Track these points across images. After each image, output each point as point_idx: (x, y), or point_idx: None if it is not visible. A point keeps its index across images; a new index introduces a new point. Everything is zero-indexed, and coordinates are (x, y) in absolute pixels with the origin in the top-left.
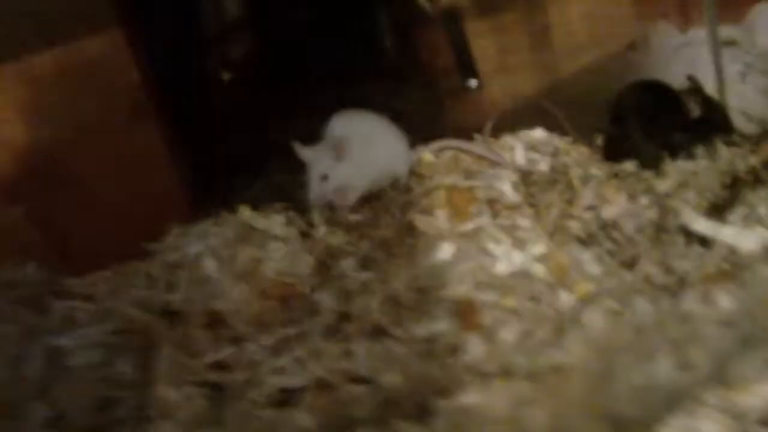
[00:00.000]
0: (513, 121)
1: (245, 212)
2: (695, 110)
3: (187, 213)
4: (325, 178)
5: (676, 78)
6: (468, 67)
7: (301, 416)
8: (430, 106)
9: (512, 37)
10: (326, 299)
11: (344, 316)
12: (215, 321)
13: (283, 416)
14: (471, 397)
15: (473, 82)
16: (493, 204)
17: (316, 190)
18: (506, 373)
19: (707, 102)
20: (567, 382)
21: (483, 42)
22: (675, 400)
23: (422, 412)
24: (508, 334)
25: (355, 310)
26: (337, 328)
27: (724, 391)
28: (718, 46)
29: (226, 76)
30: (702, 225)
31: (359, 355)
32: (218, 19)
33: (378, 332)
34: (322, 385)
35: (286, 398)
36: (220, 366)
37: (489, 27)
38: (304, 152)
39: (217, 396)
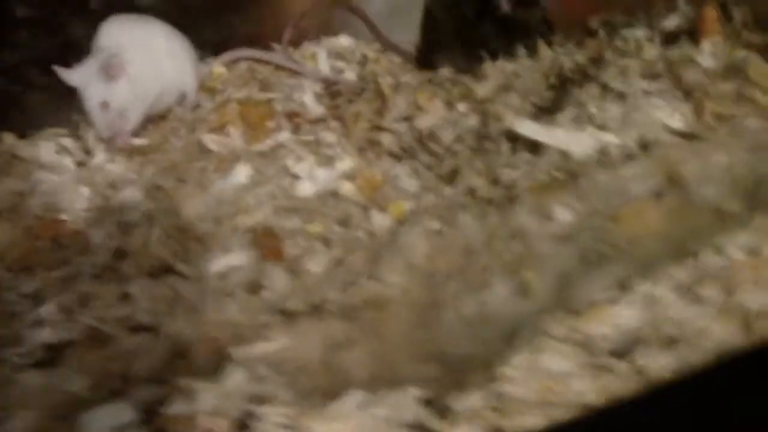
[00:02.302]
0: (317, 28)
1: (8, 140)
2: (505, 5)
3: None
4: (105, 106)
5: None
6: None
7: (70, 376)
8: (220, 11)
9: None
10: (98, 234)
11: (121, 254)
12: None
13: (46, 378)
14: (275, 342)
15: None
16: (294, 117)
17: (100, 123)
18: (316, 310)
19: None
20: (387, 317)
21: None
22: (514, 331)
23: (217, 364)
24: (316, 264)
25: (133, 246)
26: (113, 267)
27: (570, 319)
28: None
29: None
30: (529, 128)
31: (138, 298)
32: None
33: (161, 270)
34: (94, 338)
35: (51, 356)
36: None
37: None
38: (71, 75)
39: None
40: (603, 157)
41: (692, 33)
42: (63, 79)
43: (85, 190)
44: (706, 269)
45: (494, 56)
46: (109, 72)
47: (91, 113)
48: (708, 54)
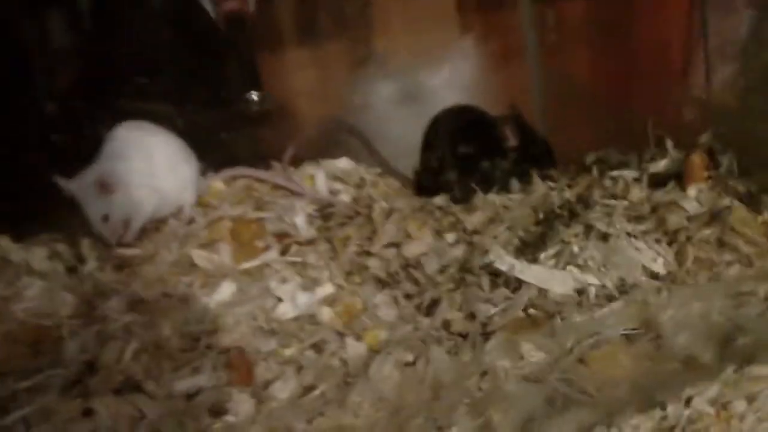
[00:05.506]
0: (319, 150)
1: (2, 242)
2: (513, 139)
3: None
4: (106, 218)
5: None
6: (249, 79)
7: None
8: (226, 130)
9: (333, 68)
10: (73, 345)
11: (92, 367)
12: None
13: None
14: None
15: (255, 95)
16: (283, 238)
17: (104, 232)
18: None
19: (527, 131)
20: None
21: (304, 73)
22: None
23: None
24: (284, 391)
25: (106, 360)
26: (81, 381)
27: None
28: (539, 73)
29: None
30: (509, 264)
31: (100, 414)
32: None
33: (129, 386)
34: None
35: None
36: None
37: (310, 57)
38: (70, 185)
39: None
40: (581, 298)
41: (680, 177)
42: (63, 189)
43: (70, 297)
44: (673, 421)
45: (488, 189)
46: (104, 189)
47: (93, 225)
48: (693, 199)
